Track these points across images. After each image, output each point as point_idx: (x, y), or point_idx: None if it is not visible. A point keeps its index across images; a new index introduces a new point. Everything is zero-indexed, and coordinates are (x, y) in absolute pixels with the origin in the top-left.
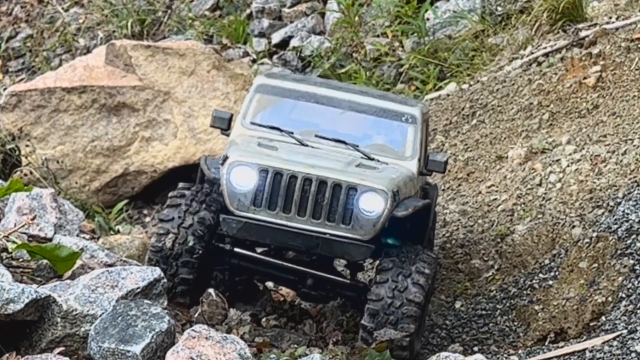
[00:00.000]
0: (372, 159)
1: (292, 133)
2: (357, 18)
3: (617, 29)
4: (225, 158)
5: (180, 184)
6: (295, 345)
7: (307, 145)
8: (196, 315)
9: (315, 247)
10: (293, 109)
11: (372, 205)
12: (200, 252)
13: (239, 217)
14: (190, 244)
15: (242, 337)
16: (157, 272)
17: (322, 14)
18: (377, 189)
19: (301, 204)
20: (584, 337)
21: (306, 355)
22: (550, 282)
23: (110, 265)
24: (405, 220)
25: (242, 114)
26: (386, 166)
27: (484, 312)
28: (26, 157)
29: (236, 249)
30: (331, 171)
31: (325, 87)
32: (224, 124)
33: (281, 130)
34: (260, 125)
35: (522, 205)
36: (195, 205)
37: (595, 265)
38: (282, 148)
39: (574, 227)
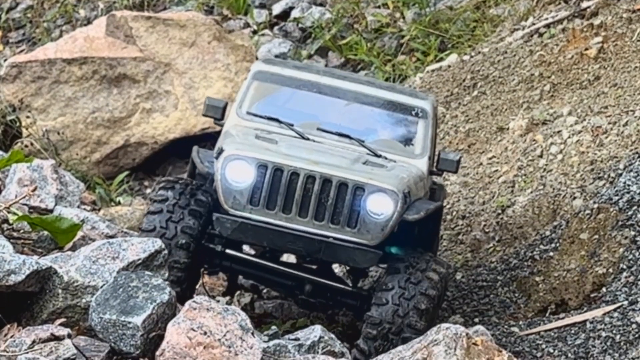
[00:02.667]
0: (379, 156)
1: (292, 125)
2: None
3: None
4: (221, 151)
5: (162, 183)
6: (296, 317)
7: (308, 139)
8: (197, 286)
9: (317, 251)
10: (293, 98)
11: (381, 207)
12: (186, 262)
13: (234, 217)
14: (174, 258)
15: (243, 308)
16: (158, 243)
17: None
18: (386, 190)
19: (303, 203)
20: (585, 309)
21: (307, 326)
22: (551, 254)
23: (111, 237)
24: (414, 225)
25: (237, 102)
26: (395, 164)
27: (484, 283)
28: (27, 129)
29: (228, 251)
30: (337, 169)
31: (328, 75)
32: (217, 112)
33: (280, 122)
34: (257, 116)
35: (523, 177)
36: (178, 211)
37: (596, 236)
38: (282, 141)
39: (574, 198)
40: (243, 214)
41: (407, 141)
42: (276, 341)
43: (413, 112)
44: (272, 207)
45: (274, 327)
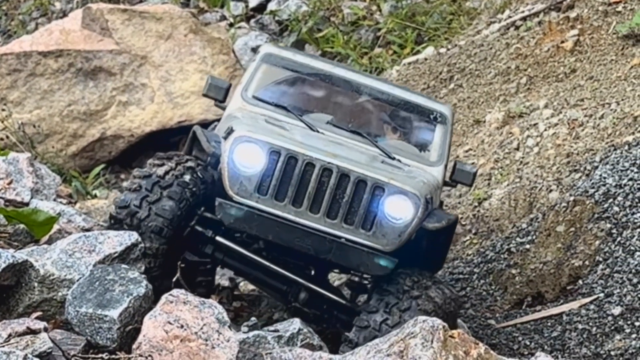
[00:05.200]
0: (393, 159)
1: (302, 116)
2: None
3: None
4: (230, 131)
5: (154, 158)
6: (273, 310)
7: (317, 132)
8: (174, 280)
9: (327, 251)
10: (303, 87)
11: (400, 211)
12: (157, 248)
13: (240, 204)
14: (146, 243)
15: (219, 302)
16: (134, 236)
17: None
18: (408, 192)
19: (316, 198)
20: (561, 301)
21: (285, 319)
22: (528, 246)
23: (88, 230)
24: (425, 237)
25: (243, 85)
26: (411, 169)
27: (461, 276)
28: (2, 121)
29: (218, 238)
30: (356, 164)
31: (342, 67)
32: (220, 94)
33: (289, 111)
34: (264, 102)
35: (500, 170)
36: (157, 191)
37: (572, 229)
38: (294, 130)
39: (551, 191)
40: (249, 202)
41: (423, 146)
42: (255, 332)
43: (431, 116)
44: (282, 198)
45: (253, 318)
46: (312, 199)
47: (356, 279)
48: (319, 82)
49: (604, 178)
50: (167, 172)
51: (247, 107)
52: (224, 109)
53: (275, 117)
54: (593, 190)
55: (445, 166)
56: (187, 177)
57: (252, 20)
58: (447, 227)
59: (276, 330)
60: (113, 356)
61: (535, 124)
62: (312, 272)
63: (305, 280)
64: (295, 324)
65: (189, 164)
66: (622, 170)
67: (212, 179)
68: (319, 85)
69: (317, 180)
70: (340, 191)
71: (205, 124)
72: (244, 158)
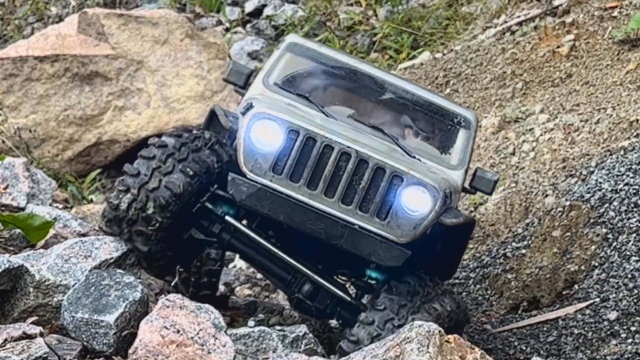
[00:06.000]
0: (414, 157)
1: (323, 107)
2: None
3: None
4: (249, 107)
5: (171, 129)
6: (269, 315)
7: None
8: (172, 284)
9: (339, 237)
10: (326, 79)
11: (418, 203)
12: (161, 222)
13: (253, 182)
14: (149, 211)
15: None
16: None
17: None
18: (427, 184)
19: (332, 181)
20: (557, 306)
21: (281, 325)
22: (523, 251)
23: (84, 235)
24: (438, 237)
25: (265, 71)
26: (433, 166)
27: (457, 281)
28: None
29: (227, 218)
30: (375, 151)
31: (367, 64)
32: (241, 79)
33: (310, 102)
34: (285, 90)
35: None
36: (170, 163)
37: (568, 234)
38: (315, 115)
39: (547, 196)
40: (262, 181)
41: (445, 149)
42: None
43: (455, 120)
44: (297, 179)
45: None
46: (327, 182)
47: (361, 283)
48: (343, 76)
49: (600, 183)
50: (183, 145)
51: (268, 94)
52: (243, 94)
53: (296, 106)
54: (589, 195)
55: (466, 171)
56: (203, 153)
57: (248, 25)
58: (464, 227)
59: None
60: None
61: (531, 129)
62: (320, 268)
63: (311, 272)
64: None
65: (207, 138)
66: (617, 175)
67: (229, 156)
68: (343, 79)
69: (334, 163)
70: (357, 177)
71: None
72: (262, 135)
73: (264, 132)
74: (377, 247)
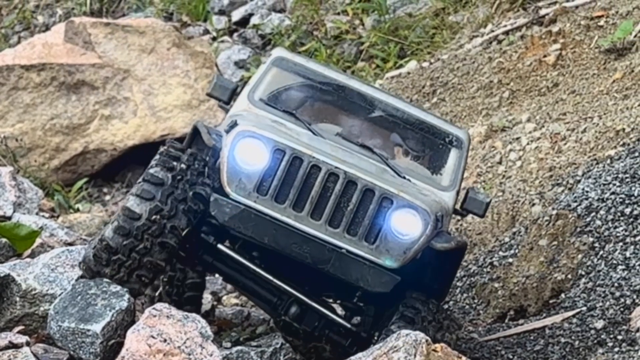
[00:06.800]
0: (403, 178)
1: (310, 125)
2: None
3: (577, 7)
4: (234, 124)
5: (165, 148)
6: (256, 324)
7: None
8: (157, 294)
9: (326, 261)
10: (313, 95)
11: (408, 227)
12: (173, 247)
13: (236, 202)
14: (153, 257)
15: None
16: None
17: None
18: (418, 207)
19: (319, 203)
20: (544, 315)
21: (267, 334)
22: (510, 260)
23: (70, 244)
24: (428, 263)
25: (250, 86)
26: (423, 187)
27: None
28: None
29: (220, 246)
30: (364, 172)
31: (356, 80)
32: (225, 94)
33: (296, 118)
34: (271, 106)
35: (483, 183)
36: (183, 187)
37: (555, 243)
38: (302, 134)
39: (533, 205)
40: (246, 202)
41: (436, 169)
42: (238, 347)
43: (447, 139)
44: (282, 200)
45: (233, 333)
46: (314, 204)
47: (350, 304)
48: (331, 93)
49: (587, 192)
50: (189, 167)
51: (253, 110)
52: (227, 110)
53: (282, 123)
54: (575, 204)
55: (457, 192)
56: (198, 188)
57: (235, 34)
58: (456, 251)
59: (259, 346)
60: None
61: (517, 138)
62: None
63: (299, 292)
64: (278, 338)
65: (197, 165)
66: (604, 184)
67: (217, 178)
68: (331, 96)
69: (321, 184)
70: (345, 199)
71: None
72: (246, 154)
73: (248, 151)
74: (365, 273)
